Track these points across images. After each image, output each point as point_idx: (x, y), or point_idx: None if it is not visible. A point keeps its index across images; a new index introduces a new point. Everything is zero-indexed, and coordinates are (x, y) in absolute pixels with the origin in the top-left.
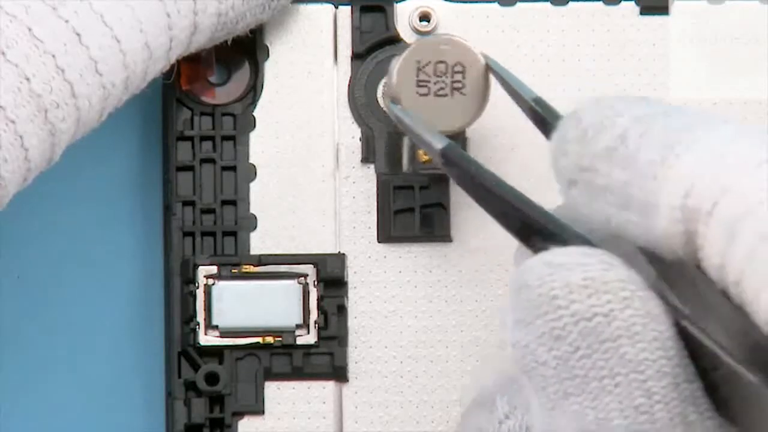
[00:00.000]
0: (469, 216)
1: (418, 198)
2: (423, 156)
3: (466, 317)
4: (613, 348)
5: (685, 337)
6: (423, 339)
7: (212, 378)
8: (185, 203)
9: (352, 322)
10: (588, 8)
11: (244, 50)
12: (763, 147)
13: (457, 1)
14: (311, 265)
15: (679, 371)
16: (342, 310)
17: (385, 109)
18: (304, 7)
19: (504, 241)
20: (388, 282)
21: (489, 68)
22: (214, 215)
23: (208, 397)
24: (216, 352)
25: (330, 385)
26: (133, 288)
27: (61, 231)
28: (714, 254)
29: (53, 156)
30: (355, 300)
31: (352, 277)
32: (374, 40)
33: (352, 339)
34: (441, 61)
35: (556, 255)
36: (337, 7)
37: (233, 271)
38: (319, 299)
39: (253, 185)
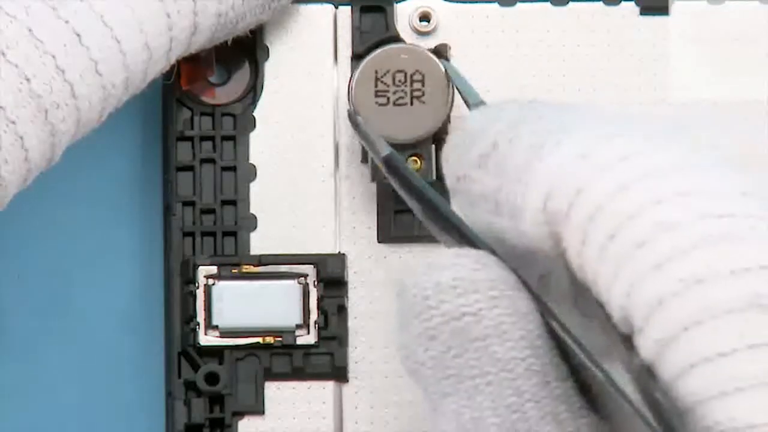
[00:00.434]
0: None
1: None
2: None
3: None
4: (483, 347)
5: (557, 336)
6: None
7: (212, 378)
8: (185, 203)
9: (352, 322)
10: (588, 8)
11: (244, 50)
12: (624, 146)
13: (457, 1)
14: (311, 265)
15: (549, 369)
16: (342, 310)
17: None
18: (304, 7)
19: None
20: (388, 282)
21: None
22: (214, 215)
23: (208, 397)
24: (216, 352)
25: (330, 385)
26: (133, 288)
27: (61, 231)
28: (573, 255)
29: (53, 156)
30: (355, 300)
31: (352, 277)
32: (374, 41)
33: (352, 339)
34: (400, 70)
35: (434, 257)
36: (337, 7)
37: (233, 271)
38: (319, 299)
39: (253, 185)
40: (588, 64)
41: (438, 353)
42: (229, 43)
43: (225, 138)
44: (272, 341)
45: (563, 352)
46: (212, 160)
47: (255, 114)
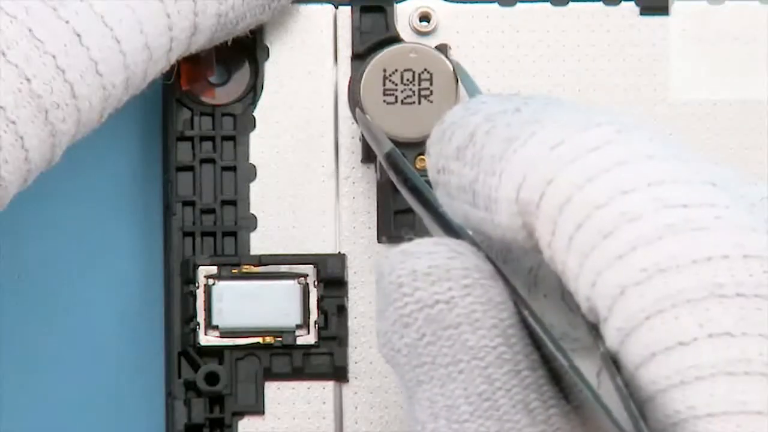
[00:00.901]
0: None
1: None
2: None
3: None
4: (455, 335)
5: (530, 326)
6: None
7: (212, 378)
8: (185, 203)
9: (352, 322)
10: (588, 8)
11: (244, 50)
12: (596, 137)
13: (457, 2)
14: (311, 266)
15: (520, 358)
16: (342, 310)
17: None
18: (304, 7)
19: None
20: None
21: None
22: (214, 215)
23: (208, 397)
24: (216, 352)
25: (330, 385)
26: (133, 288)
27: (61, 231)
28: (544, 246)
29: (54, 157)
30: (355, 300)
31: (352, 277)
32: (374, 41)
33: (352, 339)
34: (408, 69)
35: (411, 245)
36: (337, 8)
37: (233, 271)
38: (319, 299)
39: (253, 185)
40: (588, 64)
41: (412, 341)
42: (229, 43)
43: (225, 138)
44: (272, 341)
45: (536, 342)
46: (212, 160)
47: (255, 114)
